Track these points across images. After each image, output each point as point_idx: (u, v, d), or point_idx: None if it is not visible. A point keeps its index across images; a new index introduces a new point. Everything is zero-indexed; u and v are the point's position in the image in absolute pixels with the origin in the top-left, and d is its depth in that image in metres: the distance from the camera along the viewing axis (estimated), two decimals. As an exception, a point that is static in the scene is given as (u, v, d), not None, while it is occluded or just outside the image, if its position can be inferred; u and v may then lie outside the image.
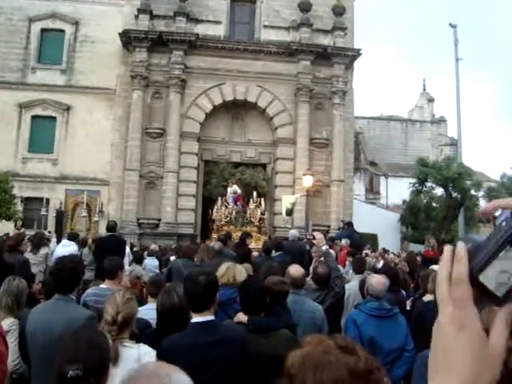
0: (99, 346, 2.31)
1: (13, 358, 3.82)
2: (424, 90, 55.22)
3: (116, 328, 3.30)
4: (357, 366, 1.44)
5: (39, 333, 3.63)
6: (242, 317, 4.12)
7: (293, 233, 10.78)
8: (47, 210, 25.23)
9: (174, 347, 3.26)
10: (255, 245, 16.69)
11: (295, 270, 5.65)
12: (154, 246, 14.32)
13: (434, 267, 8.27)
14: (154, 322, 4.50)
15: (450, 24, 30.35)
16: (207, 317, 3.50)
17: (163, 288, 4.30)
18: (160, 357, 3.15)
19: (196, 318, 3.50)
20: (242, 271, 5.75)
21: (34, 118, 27.86)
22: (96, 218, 25.50)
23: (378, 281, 5.08)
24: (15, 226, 23.10)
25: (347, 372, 1.42)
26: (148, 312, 4.63)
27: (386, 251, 22.88)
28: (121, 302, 3.46)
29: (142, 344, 3.44)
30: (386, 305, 5.04)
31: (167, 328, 3.77)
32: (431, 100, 54.12)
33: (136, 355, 3.30)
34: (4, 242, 7.40)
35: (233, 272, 5.45)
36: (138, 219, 25.88)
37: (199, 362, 3.08)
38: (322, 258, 7.22)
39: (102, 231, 24.13)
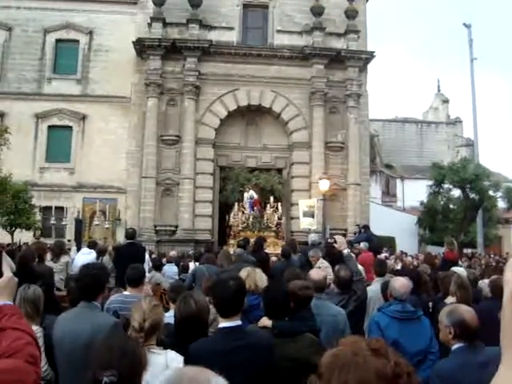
0: (132, 352, 2.33)
1: (41, 364, 3.85)
2: (439, 90, 54.88)
3: (143, 335, 3.32)
4: (384, 369, 1.44)
5: (66, 340, 3.66)
6: (266, 321, 4.13)
7: (312, 237, 10.69)
8: (60, 219, 25.37)
9: (203, 352, 3.27)
10: (273, 249, 16.70)
11: (316, 273, 5.65)
12: (173, 253, 14.37)
13: (456, 269, 8.21)
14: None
15: (465, 24, 30.27)
16: (235, 322, 3.51)
17: (181, 295, 4.30)
18: (188, 362, 3.16)
19: (224, 323, 3.51)
20: (262, 277, 5.76)
21: (50, 127, 28.11)
22: (106, 226, 25.64)
23: (401, 283, 5.06)
24: (34, 235, 23.31)
25: (374, 375, 1.42)
26: (170, 319, 4.64)
27: (403, 253, 22.84)
28: (147, 309, 3.48)
29: (169, 350, 3.45)
30: (409, 307, 5.01)
31: (185, 335, 3.79)
32: (446, 101, 53.76)
33: (164, 361, 3.32)
34: (31, 252, 7.46)
35: (254, 278, 5.46)
36: (156, 226, 25.97)
37: (228, 366, 3.08)
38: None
39: (120, 239, 24.37)
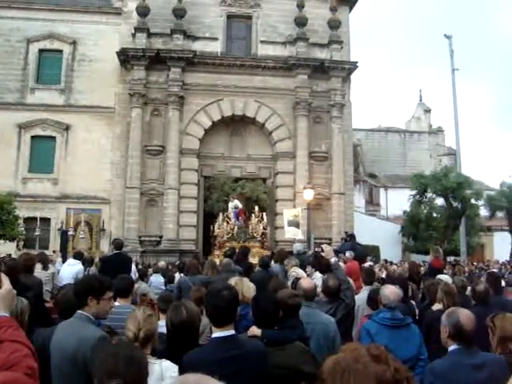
0: (137, 360, 2.33)
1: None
2: (421, 100, 55.44)
3: (138, 344, 3.32)
4: (384, 374, 1.47)
5: (56, 352, 3.65)
6: (255, 330, 4.15)
7: (297, 246, 10.72)
8: (44, 230, 25.16)
9: (197, 362, 3.28)
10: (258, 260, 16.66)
11: (306, 282, 5.68)
12: (162, 263, 14.32)
13: (441, 277, 8.29)
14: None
15: (445, 35, 30.71)
16: (229, 331, 3.53)
17: (172, 304, 4.31)
18: (183, 371, 3.17)
19: (217, 333, 3.53)
20: (250, 287, 5.77)
21: (33, 138, 27.90)
22: (82, 236, 25.36)
23: (391, 291, 5.11)
24: (17, 246, 23.12)
25: (374, 380, 1.46)
26: (160, 329, 4.62)
27: (387, 262, 22.96)
28: (142, 319, 3.50)
29: (164, 360, 3.46)
30: (399, 315, 5.05)
31: (177, 344, 3.79)
32: (428, 110, 54.32)
33: (159, 370, 3.33)
34: (19, 263, 7.41)
35: (241, 288, 5.46)
36: (140, 237, 25.85)
37: (223, 376, 3.09)
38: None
39: (105, 250, 24.23)
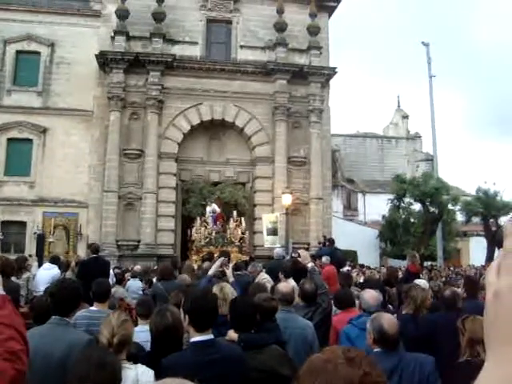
0: (110, 365, 2.32)
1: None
2: (398, 106, 55.86)
3: (112, 350, 3.29)
4: (352, 377, 1.48)
5: (38, 358, 3.58)
6: (232, 334, 4.15)
7: (278, 251, 10.70)
8: (19, 234, 24.87)
9: (176, 366, 3.26)
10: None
11: (284, 286, 5.70)
12: (138, 267, 14.16)
13: (418, 281, 8.35)
14: (146, 344, 4.47)
15: (423, 42, 31.03)
16: (208, 336, 3.52)
17: (156, 309, 4.29)
18: (161, 376, 3.15)
19: (196, 338, 3.52)
20: (230, 293, 5.75)
21: (9, 140, 27.53)
22: (52, 239, 25.09)
23: (371, 295, 5.13)
24: (-8, 250, 22.78)
25: (341, 381, 1.47)
26: (139, 334, 4.57)
27: (363, 267, 23.10)
28: (116, 325, 3.45)
29: (139, 364, 3.43)
30: (378, 319, 5.08)
31: (163, 349, 3.77)
32: (406, 117, 54.73)
33: (134, 375, 3.30)
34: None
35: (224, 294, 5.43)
36: (117, 241, 25.66)
37: (202, 380, 3.10)
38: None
39: (82, 254, 23.98)
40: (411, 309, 5.92)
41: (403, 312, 6.36)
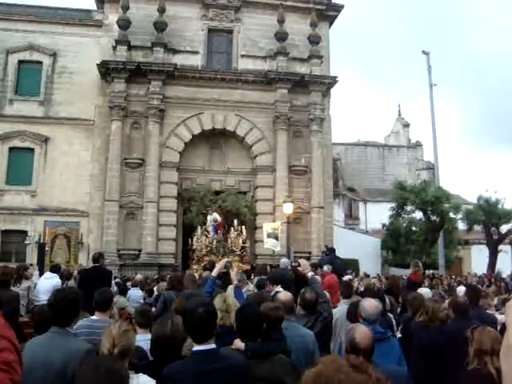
0: (118, 373, 2.32)
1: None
2: (399, 115, 56.03)
3: (113, 360, 3.28)
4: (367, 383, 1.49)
5: (38, 366, 3.58)
6: (238, 343, 4.15)
7: (284, 261, 10.36)
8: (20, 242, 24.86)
9: (177, 374, 3.27)
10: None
11: (284, 295, 5.69)
12: (139, 277, 14.17)
13: (421, 290, 8.35)
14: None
15: (423, 51, 31.09)
16: (209, 345, 3.52)
17: (158, 319, 4.28)
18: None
19: (198, 347, 3.52)
20: (233, 304, 5.73)
21: (11, 149, 27.60)
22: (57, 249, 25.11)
23: (371, 304, 5.12)
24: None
25: None
26: (139, 343, 4.57)
27: (367, 276, 23.07)
28: (117, 335, 3.43)
29: (141, 374, 3.42)
30: (379, 328, 5.06)
31: (164, 358, 3.77)
32: (407, 125, 54.88)
33: (136, 385, 3.30)
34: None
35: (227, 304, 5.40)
36: (119, 250, 25.62)
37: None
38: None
39: (83, 263, 23.98)
40: (424, 319, 5.98)
41: (417, 320, 6.40)
